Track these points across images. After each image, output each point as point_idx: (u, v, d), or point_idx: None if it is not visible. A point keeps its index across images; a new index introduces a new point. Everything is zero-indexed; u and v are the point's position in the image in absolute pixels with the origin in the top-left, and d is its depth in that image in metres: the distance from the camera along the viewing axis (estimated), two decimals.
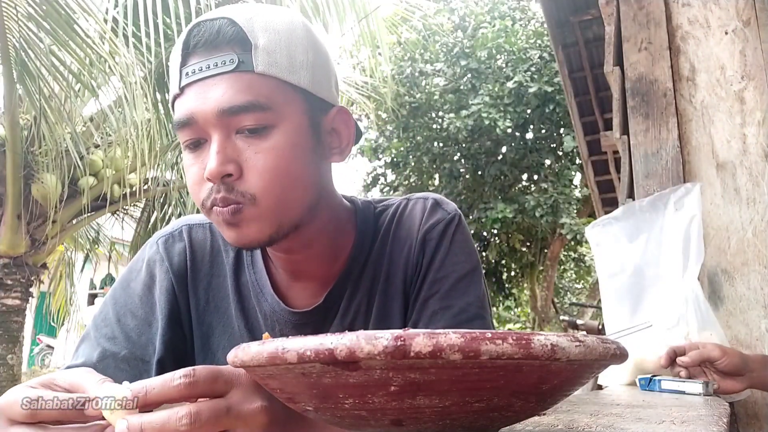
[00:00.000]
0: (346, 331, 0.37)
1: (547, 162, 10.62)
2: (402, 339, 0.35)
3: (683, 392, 1.06)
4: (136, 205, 5.63)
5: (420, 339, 0.35)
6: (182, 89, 0.67)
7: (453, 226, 0.80)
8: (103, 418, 0.50)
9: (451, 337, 0.35)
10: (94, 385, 0.49)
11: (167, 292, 0.79)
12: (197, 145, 0.68)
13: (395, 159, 11.25)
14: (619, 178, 1.85)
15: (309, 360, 0.36)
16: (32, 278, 4.52)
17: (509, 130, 9.78)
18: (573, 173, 10.36)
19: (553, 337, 0.37)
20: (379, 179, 12.02)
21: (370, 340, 0.35)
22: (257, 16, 0.68)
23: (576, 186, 10.56)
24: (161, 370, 0.76)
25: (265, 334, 0.52)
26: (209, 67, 0.66)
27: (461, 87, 10.00)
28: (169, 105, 0.73)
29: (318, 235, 0.76)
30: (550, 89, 9.21)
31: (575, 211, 10.14)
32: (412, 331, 0.35)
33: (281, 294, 0.79)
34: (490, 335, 0.36)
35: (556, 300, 12.53)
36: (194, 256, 0.81)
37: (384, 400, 0.38)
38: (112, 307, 0.79)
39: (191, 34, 0.67)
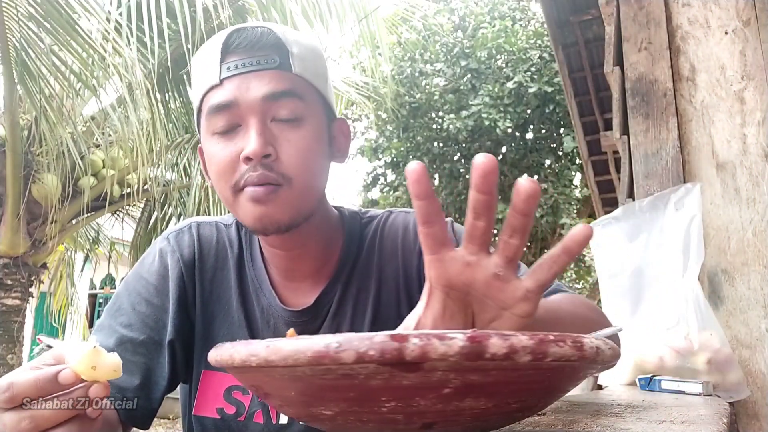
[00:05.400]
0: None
1: (547, 162, 10.60)
2: (477, 340, 0.33)
3: (683, 392, 1.06)
4: (136, 205, 5.62)
5: (495, 340, 0.34)
6: (222, 81, 0.73)
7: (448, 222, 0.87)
8: (83, 381, 0.51)
9: (522, 339, 0.34)
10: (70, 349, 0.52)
11: (178, 279, 0.84)
12: (230, 130, 0.73)
13: (395, 159, 11.24)
14: (619, 178, 1.85)
15: (369, 360, 0.33)
16: (32, 278, 4.52)
17: (509, 131, 9.76)
18: (573, 173, 10.35)
19: (595, 340, 0.38)
20: (379, 179, 12.01)
21: (445, 341, 0.33)
22: (288, 31, 0.77)
23: (576, 186, 10.54)
24: (172, 350, 0.82)
25: (290, 331, 0.52)
26: (252, 63, 0.73)
27: (461, 87, 9.98)
28: (197, 100, 0.77)
29: (312, 235, 0.81)
30: (550, 89, 9.20)
31: (575, 211, 10.13)
32: (483, 331, 0.34)
33: (278, 292, 0.85)
34: (552, 338, 0.35)
35: None
36: (201, 249, 0.87)
37: (431, 402, 0.36)
38: (127, 298, 0.84)
39: (231, 36, 0.74)
